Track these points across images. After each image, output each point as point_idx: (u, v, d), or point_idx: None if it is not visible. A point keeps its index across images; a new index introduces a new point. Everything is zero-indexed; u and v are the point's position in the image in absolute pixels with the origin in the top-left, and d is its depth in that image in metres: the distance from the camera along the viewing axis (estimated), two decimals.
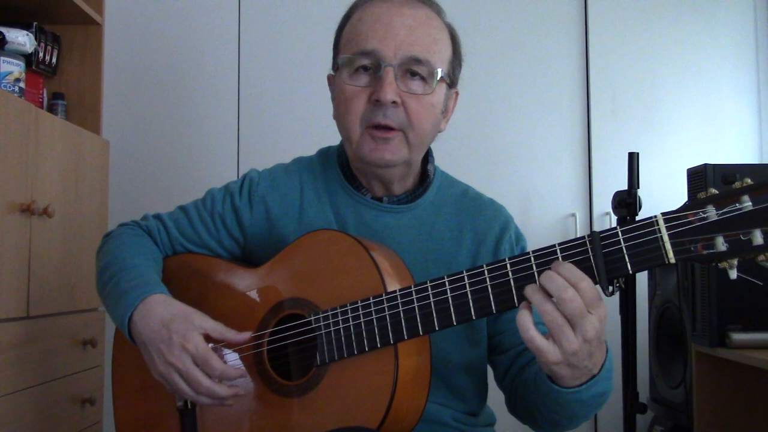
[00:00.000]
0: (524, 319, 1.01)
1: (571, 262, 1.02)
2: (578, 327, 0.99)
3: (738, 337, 2.08)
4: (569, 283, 0.99)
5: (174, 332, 1.16)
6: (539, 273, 1.03)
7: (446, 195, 1.37)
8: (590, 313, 0.99)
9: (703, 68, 2.92)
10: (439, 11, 1.31)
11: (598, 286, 1.01)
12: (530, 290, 1.01)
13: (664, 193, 2.64)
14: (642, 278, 2.36)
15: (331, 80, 1.35)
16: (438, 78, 1.25)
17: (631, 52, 2.90)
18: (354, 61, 1.24)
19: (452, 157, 2.56)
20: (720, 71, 2.93)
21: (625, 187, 1.87)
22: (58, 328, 1.91)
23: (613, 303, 1.91)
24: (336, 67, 1.31)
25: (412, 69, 1.24)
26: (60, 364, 1.91)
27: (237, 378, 1.19)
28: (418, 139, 1.26)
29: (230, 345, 1.22)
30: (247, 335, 1.21)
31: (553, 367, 1.03)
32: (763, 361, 1.91)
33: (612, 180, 2.79)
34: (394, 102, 1.22)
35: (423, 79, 1.25)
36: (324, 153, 1.41)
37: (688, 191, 2.21)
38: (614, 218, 1.99)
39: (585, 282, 0.99)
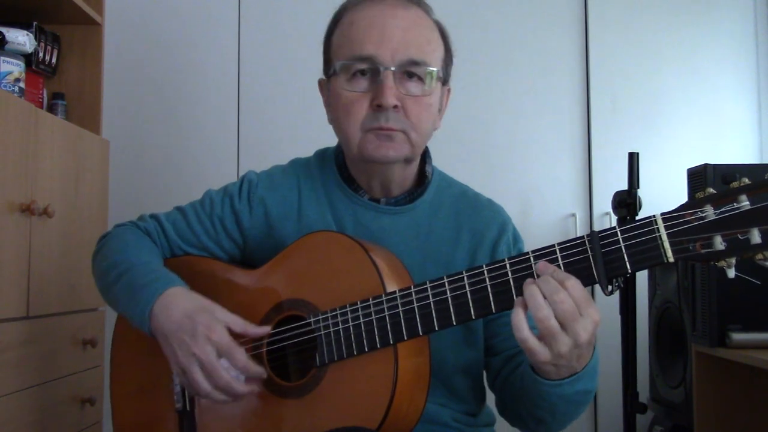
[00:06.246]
0: (518, 318, 1.02)
1: (570, 261, 1.02)
2: (570, 330, 1.00)
3: (738, 337, 2.08)
4: (559, 285, 0.99)
5: (199, 323, 1.16)
6: None
7: (444, 195, 1.37)
8: (582, 316, 1.00)
9: (703, 68, 2.92)
10: (427, 10, 1.31)
11: (596, 286, 1.01)
12: (528, 292, 1.01)
13: (664, 193, 2.63)
14: (642, 278, 2.36)
15: (323, 85, 1.35)
16: (435, 78, 1.26)
17: (631, 52, 2.90)
18: (351, 66, 1.24)
19: (452, 157, 2.56)
20: (720, 71, 2.93)
21: (625, 187, 1.87)
22: (58, 328, 1.91)
23: (613, 303, 1.91)
24: (330, 72, 1.30)
25: (410, 71, 1.24)
26: (60, 364, 1.91)
27: (256, 373, 1.18)
28: (419, 138, 1.27)
29: (249, 341, 1.21)
30: (267, 329, 1.20)
31: (540, 366, 1.05)
32: (763, 361, 1.91)
33: (612, 180, 2.79)
34: (395, 106, 1.22)
35: (420, 79, 1.25)
36: (321, 154, 1.41)
37: (688, 191, 2.20)
38: (614, 218, 1.99)
39: (570, 280, 1.00)
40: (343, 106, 1.26)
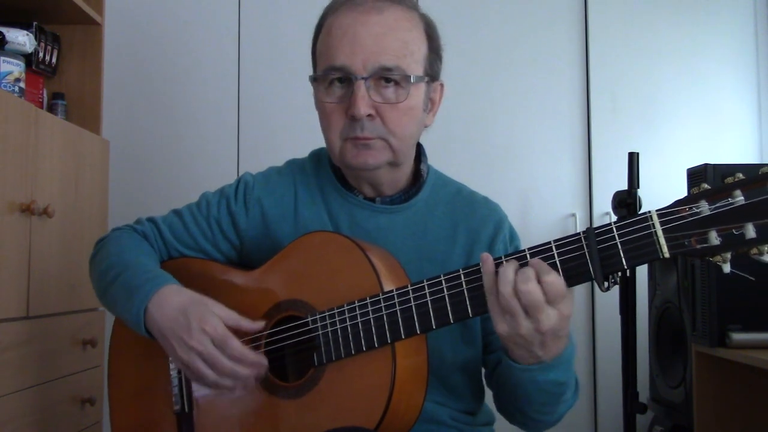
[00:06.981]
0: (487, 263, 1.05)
1: (566, 258, 1.03)
2: (533, 317, 1.02)
3: (738, 337, 2.08)
4: (536, 276, 1.01)
5: (192, 317, 1.16)
6: None
7: (440, 194, 1.36)
8: (549, 306, 1.02)
9: (703, 68, 2.92)
10: (410, 6, 1.28)
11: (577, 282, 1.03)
12: (502, 268, 1.04)
13: (664, 193, 2.60)
14: (642, 278, 2.36)
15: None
16: (413, 82, 1.24)
17: (631, 52, 2.91)
18: (326, 76, 1.24)
19: (452, 157, 2.56)
20: (720, 71, 2.93)
21: (625, 187, 1.87)
22: (58, 328, 1.91)
23: (613, 303, 1.91)
24: (312, 79, 1.30)
25: (386, 76, 1.22)
26: (60, 364, 1.91)
27: (255, 360, 1.18)
28: (401, 143, 1.26)
29: (244, 334, 1.21)
30: (261, 324, 1.20)
31: (506, 343, 1.08)
32: (763, 361, 1.91)
33: (612, 180, 2.79)
34: (369, 115, 1.22)
35: (398, 83, 1.23)
36: (316, 155, 1.41)
37: (688, 191, 2.20)
38: (614, 218, 1.99)
39: (551, 276, 1.01)
40: (323, 115, 1.27)
